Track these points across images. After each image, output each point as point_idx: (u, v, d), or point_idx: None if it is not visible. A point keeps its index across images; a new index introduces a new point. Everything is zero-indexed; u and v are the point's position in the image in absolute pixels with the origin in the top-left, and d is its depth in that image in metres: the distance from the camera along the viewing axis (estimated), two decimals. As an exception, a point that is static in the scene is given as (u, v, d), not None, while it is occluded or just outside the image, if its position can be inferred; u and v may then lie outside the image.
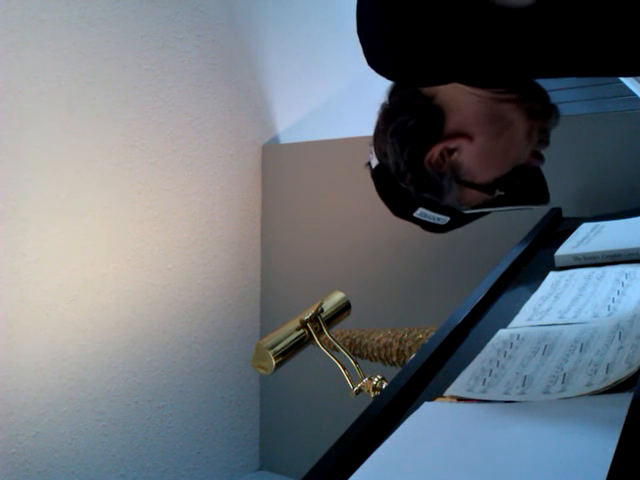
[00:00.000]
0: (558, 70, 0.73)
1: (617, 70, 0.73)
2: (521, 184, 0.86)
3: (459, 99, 0.81)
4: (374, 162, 0.98)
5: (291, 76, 2.30)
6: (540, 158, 0.89)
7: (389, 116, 0.91)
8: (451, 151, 0.83)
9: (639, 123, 1.51)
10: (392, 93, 0.93)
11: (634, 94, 1.62)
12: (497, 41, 0.60)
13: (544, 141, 0.88)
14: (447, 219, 0.88)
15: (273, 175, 2.22)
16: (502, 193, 0.83)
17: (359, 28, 0.65)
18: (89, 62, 1.75)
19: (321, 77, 2.39)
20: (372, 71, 0.67)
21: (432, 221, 0.88)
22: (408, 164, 0.87)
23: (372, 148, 0.98)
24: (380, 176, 0.97)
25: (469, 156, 0.82)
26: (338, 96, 2.43)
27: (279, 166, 2.21)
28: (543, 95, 0.88)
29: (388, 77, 0.70)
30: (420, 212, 0.89)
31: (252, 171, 2.21)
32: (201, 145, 2.05)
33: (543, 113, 0.86)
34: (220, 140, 2.10)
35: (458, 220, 0.90)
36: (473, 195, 0.86)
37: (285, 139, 2.29)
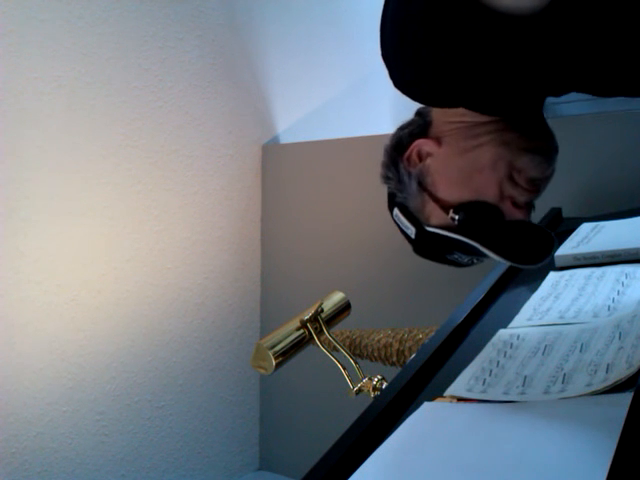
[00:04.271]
0: (564, 88, 0.71)
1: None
2: (508, 234, 0.79)
3: (449, 113, 0.82)
4: None
5: (291, 76, 2.30)
6: (520, 209, 0.79)
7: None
8: (427, 155, 0.83)
9: (639, 123, 1.50)
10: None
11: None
12: (502, 54, 0.60)
13: (527, 189, 0.79)
14: (414, 230, 0.86)
15: (273, 175, 2.22)
16: (455, 217, 0.80)
17: (383, 53, 0.70)
18: (89, 62, 1.75)
19: (321, 77, 2.39)
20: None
21: (403, 228, 0.88)
22: (388, 156, 0.88)
23: None
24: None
25: (436, 165, 0.82)
26: (338, 96, 2.43)
27: (279, 166, 2.21)
28: (539, 136, 0.80)
29: (412, 98, 0.73)
30: (395, 214, 0.89)
31: (252, 171, 2.21)
32: (201, 145, 2.05)
33: (526, 151, 0.78)
34: (220, 140, 2.10)
35: (424, 238, 0.85)
36: (432, 209, 0.84)
37: (285, 139, 2.29)
